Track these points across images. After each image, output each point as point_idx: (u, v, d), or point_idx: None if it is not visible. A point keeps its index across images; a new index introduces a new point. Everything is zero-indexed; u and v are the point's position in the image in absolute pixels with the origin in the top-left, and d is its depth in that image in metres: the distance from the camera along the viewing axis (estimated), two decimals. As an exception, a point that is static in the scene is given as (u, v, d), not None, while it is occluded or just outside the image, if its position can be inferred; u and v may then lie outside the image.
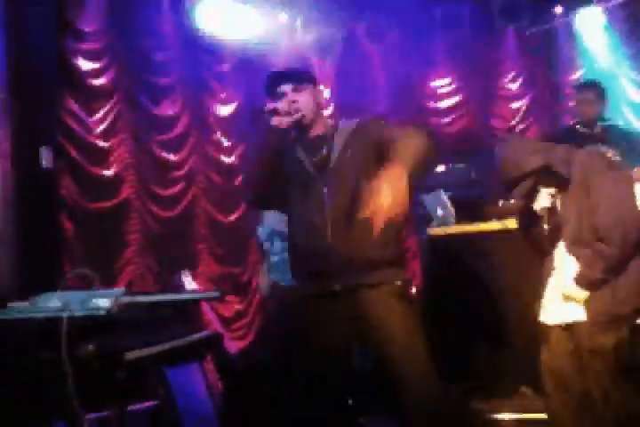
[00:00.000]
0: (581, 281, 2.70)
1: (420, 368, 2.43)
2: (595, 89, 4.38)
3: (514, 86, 7.38)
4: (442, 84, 7.39)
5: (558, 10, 7.10)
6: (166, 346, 2.62)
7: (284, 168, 2.59)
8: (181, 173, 5.89)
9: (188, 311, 3.10)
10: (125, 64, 5.49)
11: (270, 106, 2.52)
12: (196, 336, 2.92)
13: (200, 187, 6.03)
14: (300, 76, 2.67)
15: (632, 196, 2.74)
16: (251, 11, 6.17)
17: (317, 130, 2.63)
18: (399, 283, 2.51)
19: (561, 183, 2.76)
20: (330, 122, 2.70)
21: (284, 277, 3.95)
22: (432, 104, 7.30)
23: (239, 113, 6.25)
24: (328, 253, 2.47)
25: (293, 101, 2.55)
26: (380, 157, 2.48)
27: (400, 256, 2.57)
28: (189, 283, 4.41)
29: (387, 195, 2.23)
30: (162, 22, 5.75)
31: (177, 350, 2.71)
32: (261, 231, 4.18)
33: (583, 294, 2.70)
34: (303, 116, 2.55)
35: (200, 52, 6.06)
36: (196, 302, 3.53)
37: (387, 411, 3.31)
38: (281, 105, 2.52)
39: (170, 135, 5.82)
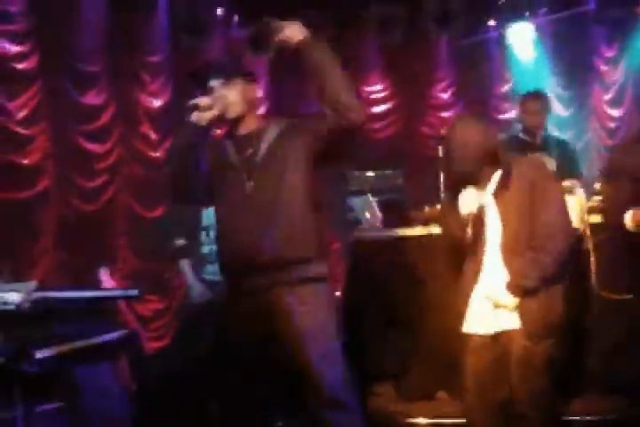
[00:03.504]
0: (516, 290, 2.69)
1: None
2: (541, 99, 4.46)
3: (445, 96, 7.49)
4: (375, 89, 7.43)
5: (491, 22, 7.25)
6: (78, 345, 2.55)
7: (210, 163, 2.58)
8: (105, 165, 5.71)
9: (103, 309, 3.02)
10: (51, 49, 5.27)
11: (192, 101, 2.48)
12: (111, 335, 2.85)
13: (124, 180, 5.86)
14: (231, 69, 2.63)
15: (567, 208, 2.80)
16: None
17: (248, 127, 2.61)
18: (318, 278, 2.52)
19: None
20: (261, 119, 2.69)
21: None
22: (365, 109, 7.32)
23: (169, 106, 6.11)
24: (251, 250, 2.47)
25: (221, 97, 2.53)
26: (312, 153, 2.53)
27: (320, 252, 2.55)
28: (107, 280, 4.27)
29: None
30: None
31: (89, 349, 2.64)
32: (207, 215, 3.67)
33: (514, 301, 2.70)
34: (225, 112, 2.53)
35: (130, 41, 5.89)
36: (112, 300, 3.43)
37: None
38: (202, 101, 2.48)
39: (94, 125, 5.64)
